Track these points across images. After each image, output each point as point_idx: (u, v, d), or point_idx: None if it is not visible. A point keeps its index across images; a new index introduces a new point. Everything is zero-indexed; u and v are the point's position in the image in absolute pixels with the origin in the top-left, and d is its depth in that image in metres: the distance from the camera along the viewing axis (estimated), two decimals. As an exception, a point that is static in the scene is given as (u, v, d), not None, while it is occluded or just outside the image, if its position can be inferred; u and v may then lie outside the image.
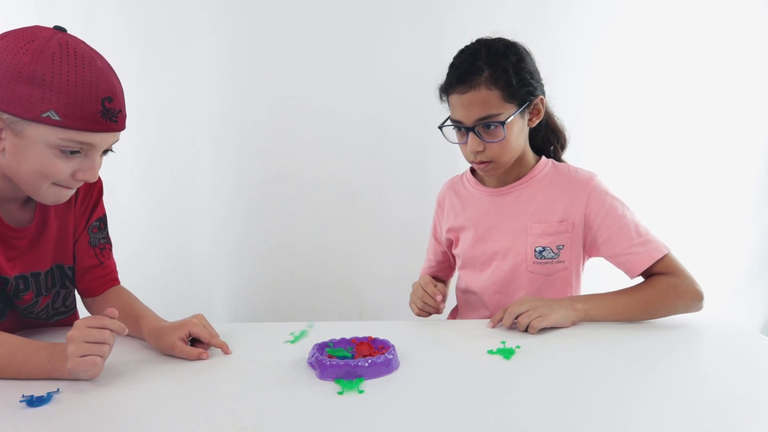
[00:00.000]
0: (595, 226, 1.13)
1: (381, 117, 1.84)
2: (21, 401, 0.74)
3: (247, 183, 1.88)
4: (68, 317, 1.12)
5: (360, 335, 0.96)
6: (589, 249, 1.17)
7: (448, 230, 1.29)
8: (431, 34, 1.79)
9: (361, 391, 0.77)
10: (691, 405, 0.72)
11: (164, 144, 1.84)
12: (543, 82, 1.16)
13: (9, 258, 0.97)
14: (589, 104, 1.83)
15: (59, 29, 0.86)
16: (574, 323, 1.03)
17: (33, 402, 0.74)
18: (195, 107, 1.82)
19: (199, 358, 0.91)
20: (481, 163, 1.14)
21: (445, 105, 1.16)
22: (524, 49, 1.14)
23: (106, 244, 1.11)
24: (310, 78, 1.82)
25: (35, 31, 0.83)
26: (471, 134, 1.10)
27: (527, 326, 0.99)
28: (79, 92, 0.82)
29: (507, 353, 0.90)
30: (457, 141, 1.16)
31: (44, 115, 0.81)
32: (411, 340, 0.98)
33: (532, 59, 1.15)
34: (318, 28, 1.80)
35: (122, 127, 0.90)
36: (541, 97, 1.14)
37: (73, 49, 0.83)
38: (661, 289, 1.06)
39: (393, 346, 0.89)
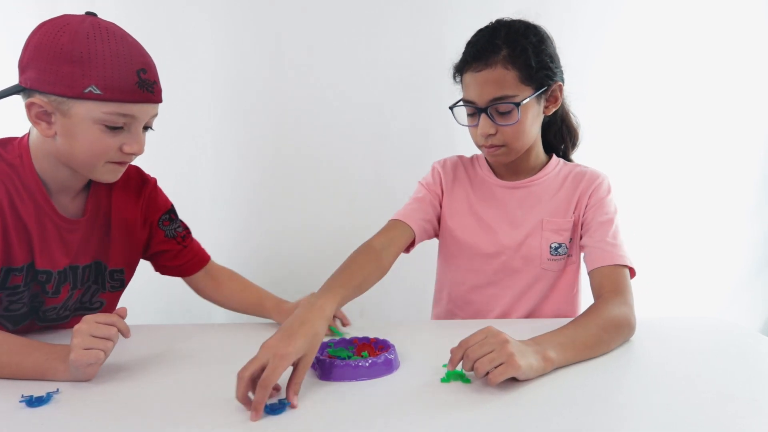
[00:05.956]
0: (586, 215, 1.13)
1: (381, 116, 1.84)
2: (21, 401, 0.74)
3: (247, 183, 1.87)
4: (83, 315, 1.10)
5: (360, 335, 0.96)
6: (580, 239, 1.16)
7: (445, 199, 1.22)
8: (431, 33, 1.79)
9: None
10: (690, 405, 0.72)
11: (164, 144, 1.83)
12: (563, 68, 1.11)
13: (63, 252, 0.99)
14: (588, 104, 1.82)
15: (90, 14, 0.92)
16: (538, 375, 0.80)
17: (33, 402, 0.74)
18: (195, 106, 1.82)
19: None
20: (492, 147, 1.09)
21: (458, 87, 1.10)
22: (545, 32, 1.09)
23: (184, 232, 1.18)
24: (310, 76, 1.81)
25: (68, 17, 0.89)
26: (483, 116, 1.05)
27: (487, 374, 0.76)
28: (115, 65, 0.87)
29: (461, 377, 0.81)
30: (467, 123, 1.11)
31: (86, 90, 0.85)
32: (411, 340, 0.98)
33: (552, 44, 1.10)
34: (318, 25, 1.80)
35: (159, 99, 0.95)
36: (560, 83, 1.10)
37: (105, 28, 0.89)
38: (610, 324, 0.92)
39: (393, 346, 0.89)
